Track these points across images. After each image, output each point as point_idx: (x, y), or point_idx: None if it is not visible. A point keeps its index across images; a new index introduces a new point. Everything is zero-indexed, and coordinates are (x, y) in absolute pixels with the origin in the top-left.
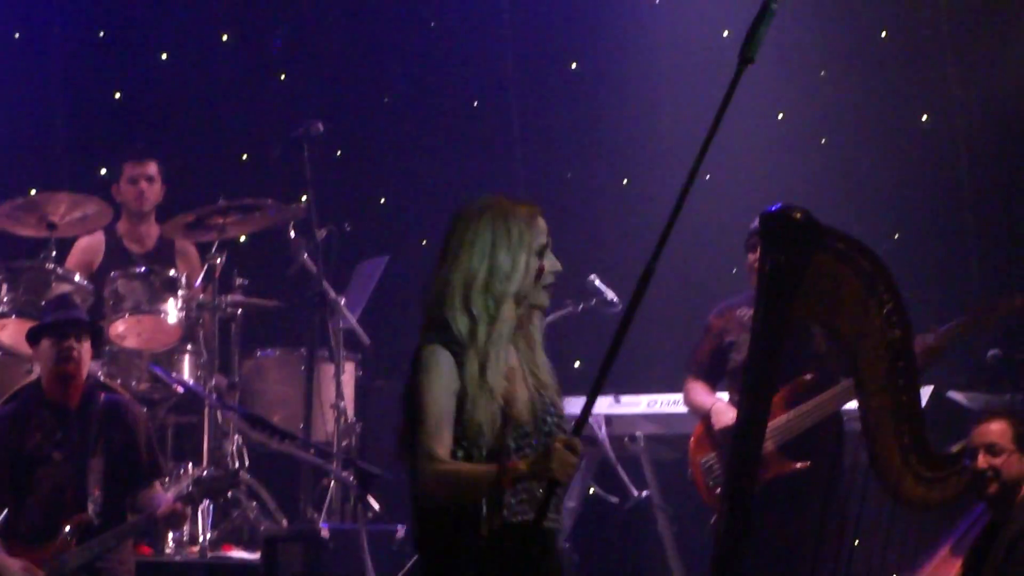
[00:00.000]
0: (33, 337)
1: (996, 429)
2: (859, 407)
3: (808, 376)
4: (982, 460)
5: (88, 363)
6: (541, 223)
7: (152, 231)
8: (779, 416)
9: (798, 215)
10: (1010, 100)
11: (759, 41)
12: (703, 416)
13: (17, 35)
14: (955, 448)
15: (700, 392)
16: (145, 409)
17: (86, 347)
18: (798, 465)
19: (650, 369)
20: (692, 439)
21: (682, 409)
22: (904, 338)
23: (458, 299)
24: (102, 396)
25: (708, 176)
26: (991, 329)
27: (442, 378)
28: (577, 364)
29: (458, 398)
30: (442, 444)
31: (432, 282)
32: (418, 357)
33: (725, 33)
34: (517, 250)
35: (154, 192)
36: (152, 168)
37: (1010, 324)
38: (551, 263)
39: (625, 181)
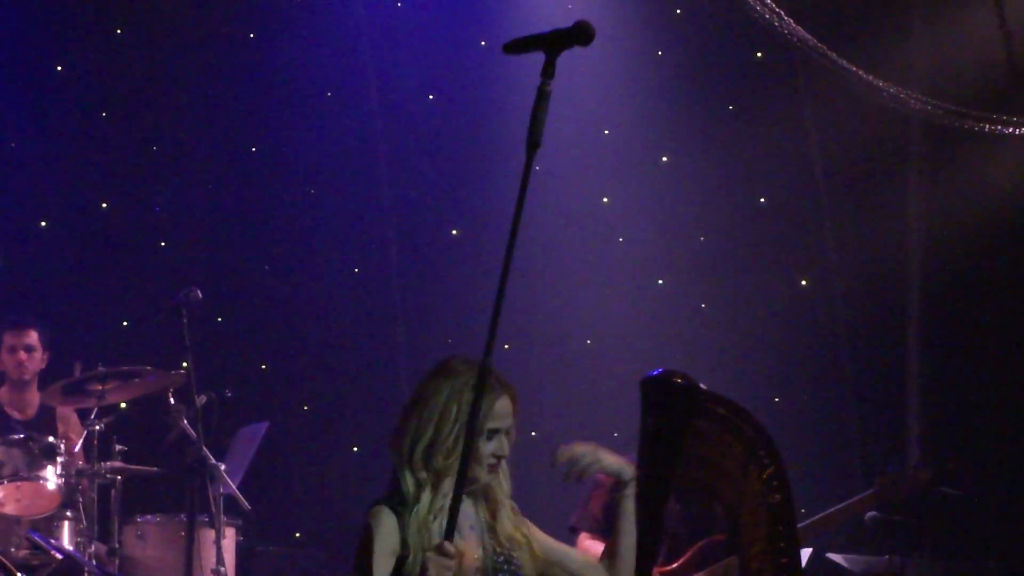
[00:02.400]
0: None
1: None
2: (740, 569)
3: (718, 536)
4: None
5: None
6: (500, 407)
7: (34, 398)
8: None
9: (679, 379)
10: (884, 263)
11: (540, 125)
12: None
13: None
14: None
15: (598, 549)
16: None
17: None
18: None
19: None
20: None
21: None
22: (784, 502)
23: (405, 458)
24: None
25: (589, 341)
26: (897, 501)
27: (381, 540)
28: None
29: (400, 558)
30: None
31: (396, 426)
32: (366, 516)
33: (608, 200)
34: (459, 426)
35: (34, 361)
36: (32, 337)
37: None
38: (496, 447)
39: (506, 346)
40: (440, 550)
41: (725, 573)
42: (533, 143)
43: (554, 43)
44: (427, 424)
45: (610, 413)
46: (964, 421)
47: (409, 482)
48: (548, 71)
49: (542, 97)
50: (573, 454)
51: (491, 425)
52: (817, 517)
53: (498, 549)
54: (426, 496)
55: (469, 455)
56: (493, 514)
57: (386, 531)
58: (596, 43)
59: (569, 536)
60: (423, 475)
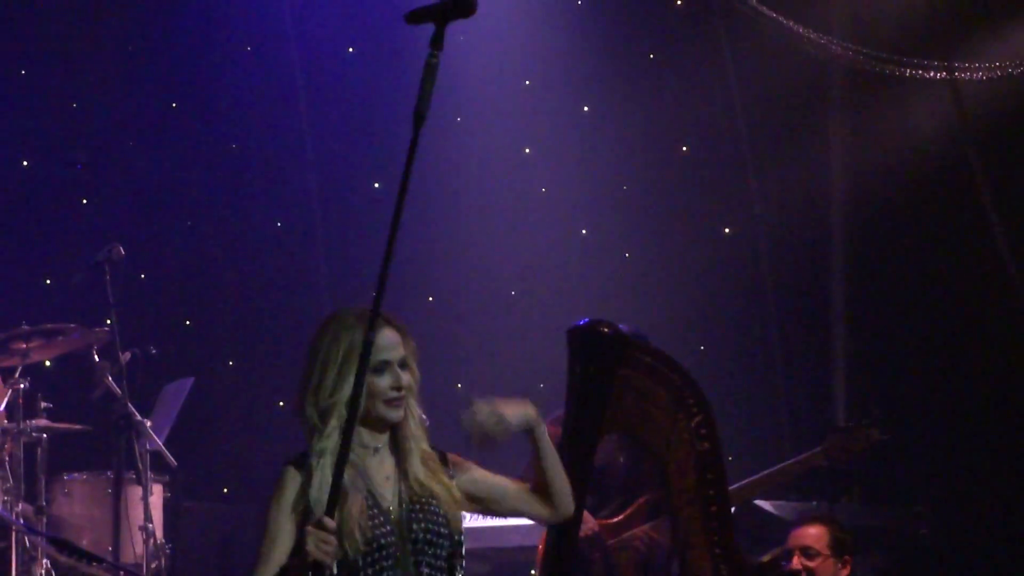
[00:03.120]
0: None
1: (813, 533)
2: (670, 518)
3: (643, 499)
4: (796, 562)
5: None
6: (383, 338)
7: None
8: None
9: (605, 329)
10: (807, 210)
11: (427, 97)
12: None
13: None
14: (766, 557)
15: None
16: None
17: None
18: None
19: None
20: (540, 549)
21: (495, 522)
22: (712, 450)
23: (298, 407)
24: None
25: (513, 292)
26: (845, 459)
27: (280, 500)
28: None
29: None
30: (267, 564)
31: None
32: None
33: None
34: (344, 365)
35: None
36: None
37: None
38: (391, 379)
39: (430, 298)
40: (319, 524)
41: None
42: (419, 115)
43: (442, 14)
44: (312, 369)
45: (536, 363)
46: (889, 366)
47: (305, 430)
48: (436, 42)
49: (429, 69)
50: (477, 421)
51: (378, 358)
52: (763, 474)
53: (412, 498)
54: (316, 443)
55: (357, 391)
56: (404, 461)
57: (288, 490)
58: None
59: None
60: (314, 419)
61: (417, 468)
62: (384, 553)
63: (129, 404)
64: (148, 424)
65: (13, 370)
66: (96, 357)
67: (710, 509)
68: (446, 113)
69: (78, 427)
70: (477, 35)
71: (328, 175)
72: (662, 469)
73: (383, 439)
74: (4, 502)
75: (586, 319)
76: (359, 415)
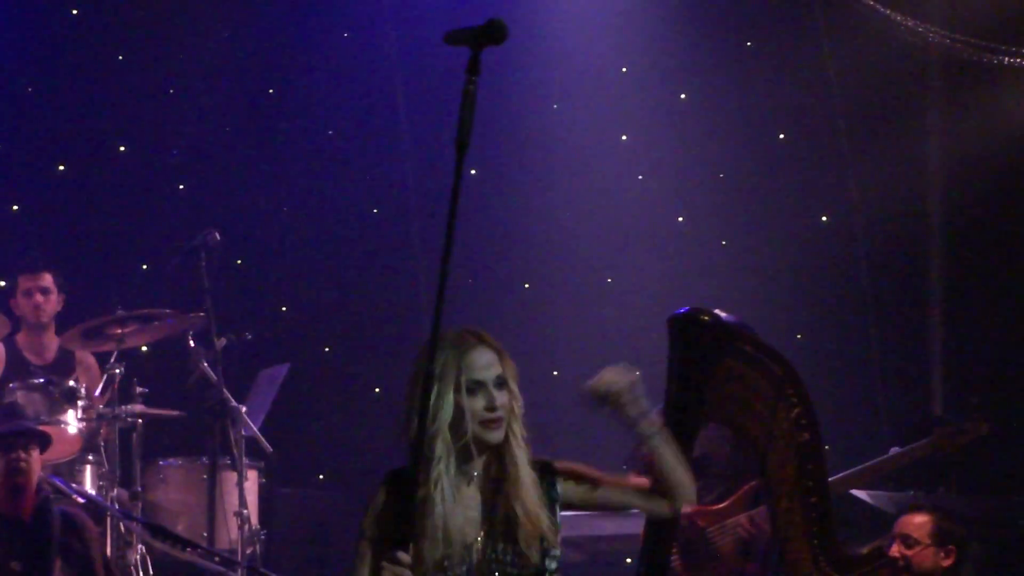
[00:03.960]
0: None
1: (917, 522)
2: (768, 509)
3: (748, 486)
4: (895, 549)
5: (37, 472)
6: (475, 358)
7: (51, 342)
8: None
9: (706, 317)
10: (905, 199)
11: (468, 126)
12: None
13: None
14: (866, 549)
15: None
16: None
17: (35, 456)
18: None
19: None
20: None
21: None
22: (812, 441)
23: (403, 433)
24: (55, 509)
25: (609, 279)
26: (952, 452)
27: (371, 517)
28: None
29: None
30: (363, 564)
31: None
32: None
33: (626, 137)
34: (442, 387)
35: (50, 304)
36: (46, 280)
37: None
38: (485, 400)
39: (527, 285)
40: (393, 559)
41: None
42: (461, 145)
43: (475, 40)
44: (412, 394)
45: (633, 351)
46: (987, 355)
47: (408, 456)
48: (472, 68)
49: (467, 98)
50: (610, 380)
51: (471, 377)
52: (866, 465)
53: (497, 532)
54: (424, 468)
55: (426, 414)
56: (509, 487)
57: (380, 510)
58: None
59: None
60: (417, 446)
61: (525, 496)
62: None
63: (224, 390)
64: (243, 410)
65: (109, 355)
66: (191, 343)
67: (809, 500)
68: (543, 100)
69: (174, 413)
70: (574, 22)
71: (424, 161)
72: (762, 459)
73: (479, 465)
74: (100, 487)
75: (687, 307)
76: (439, 439)
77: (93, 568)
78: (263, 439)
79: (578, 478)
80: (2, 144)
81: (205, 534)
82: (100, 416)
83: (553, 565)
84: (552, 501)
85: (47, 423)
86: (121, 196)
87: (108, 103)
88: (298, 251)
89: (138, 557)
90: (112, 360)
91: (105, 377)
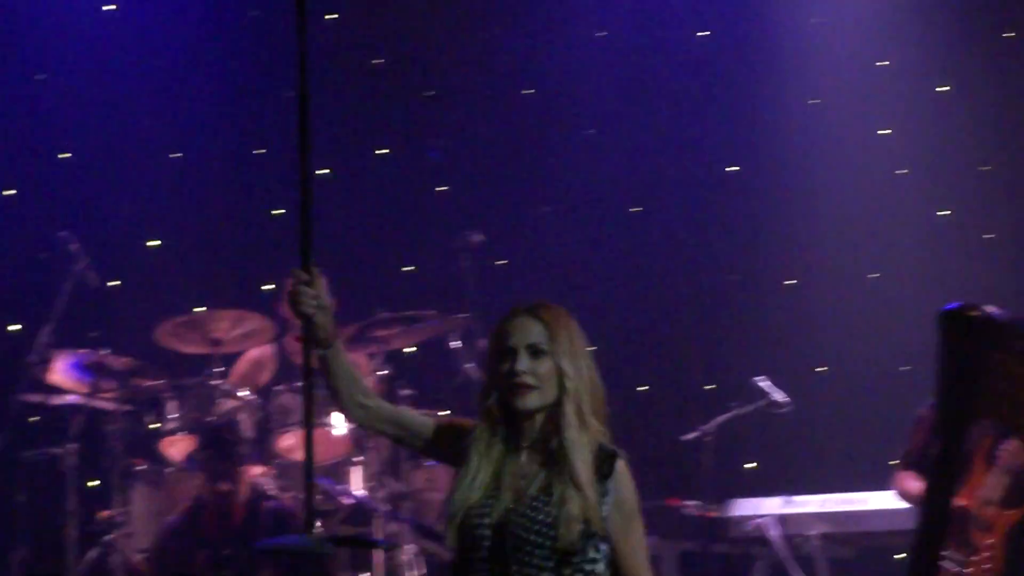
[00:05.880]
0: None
1: None
2: None
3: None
4: None
5: (245, 480)
6: (512, 326)
7: None
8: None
9: (976, 313)
10: None
11: None
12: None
13: (180, 154)
14: None
15: (914, 482)
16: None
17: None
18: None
19: (823, 469)
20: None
21: (859, 507)
22: None
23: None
24: (265, 505)
25: (873, 275)
26: None
27: (457, 421)
28: (750, 465)
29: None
30: (408, 413)
31: None
32: None
33: (888, 131)
34: (488, 355)
35: None
36: None
37: None
38: (509, 365)
39: (792, 281)
40: (294, 275)
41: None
42: None
43: None
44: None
45: (896, 347)
46: None
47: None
48: None
49: None
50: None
51: (503, 343)
52: None
53: (525, 499)
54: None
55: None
56: (554, 465)
57: (459, 422)
58: None
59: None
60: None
61: (570, 473)
62: (478, 547)
63: None
64: None
65: (374, 357)
66: (455, 344)
67: None
68: (801, 97)
69: (440, 413)
70: (834, 16)
71: (683, 157)
72: None
73: (531, 433)
74: (368, 487)
75: (956, 302)
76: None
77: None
78: None
79: (621, 490)
80: (267, 151)
81: None
82: None
83: (596, 555)
84: (604, 492)
85: (314, 425)
86: (383, 200)
87: (368, 108)
88: (559, 251)
89: (407, 558)
90: (377, 361)
91: (371, 379)
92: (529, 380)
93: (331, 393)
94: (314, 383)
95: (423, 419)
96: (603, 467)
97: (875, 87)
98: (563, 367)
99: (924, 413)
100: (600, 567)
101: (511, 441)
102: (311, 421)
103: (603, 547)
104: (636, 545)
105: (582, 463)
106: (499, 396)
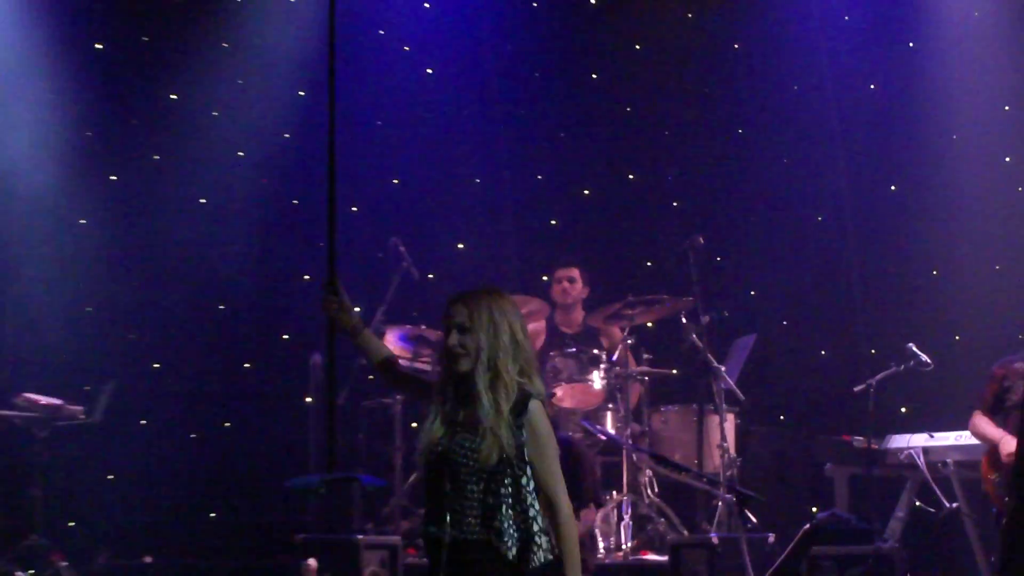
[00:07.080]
0: None
1: None
2: None
3: None
4: None
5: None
6: (448, 310)
7: (578, 318)
8: None
9: None
10: None
11: None
12: (991, 444)
13: (478, 180)
14: None
15: (986, 425)
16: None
17: None
18: None
19: (956, 413)
20: (984, 461)
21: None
22: None
23: None
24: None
25: (999, 267)
26: None
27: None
28: (903, 409)
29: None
30: (400, 369)
31: None
32: None
33: (1008, 159)
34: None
35: (575, 290)
36: (574, 272)
37: None
38: (446, 340)
39: (935, 272)
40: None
41: None
42: None
43: None
44: None
45: (1015, 321)
46: None
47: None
48: None
49: None
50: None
51: (445, 323)
52: None
53: (459, 432)
54: None
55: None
56: (473, 405)
57: (427, 382)
58: None
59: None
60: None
61: (480, 410)
62: (436, 464)
63: (708, 354)
64: (723, 369)
65: (623, 330)
66: (683, 319)
67: None
68: (948, 133)
69: (671, 372)
70: (975, 77)
71: (857, 170)
72: None
73: (465, 389)
74: (618, 427)
75: None
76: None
77: (580, 485)
78: (737, 390)
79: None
80: (543, 173)
81: (696, 461)
82: (618, 375)
83: (517, 473)
84: (520, 426)
85: (578, 381)
86: (632, 212)
87: (618, 141)
88: (764, 248)
89: (646, 479)
90: (626, 333)
91: (620, 346)
92: (458, 350)
93: (367, 362)
94: (359, 362)
95: (416, 379)
96: (517, 406)
97: (1001, 125)
98: (479, 338)
99: (996, 370)
100: (522, 482)
101: (457, 393)
102: (334, 390)
103: (521, 467)
104: (550, 466)
105: (489, 405)
106: (445, 362)
